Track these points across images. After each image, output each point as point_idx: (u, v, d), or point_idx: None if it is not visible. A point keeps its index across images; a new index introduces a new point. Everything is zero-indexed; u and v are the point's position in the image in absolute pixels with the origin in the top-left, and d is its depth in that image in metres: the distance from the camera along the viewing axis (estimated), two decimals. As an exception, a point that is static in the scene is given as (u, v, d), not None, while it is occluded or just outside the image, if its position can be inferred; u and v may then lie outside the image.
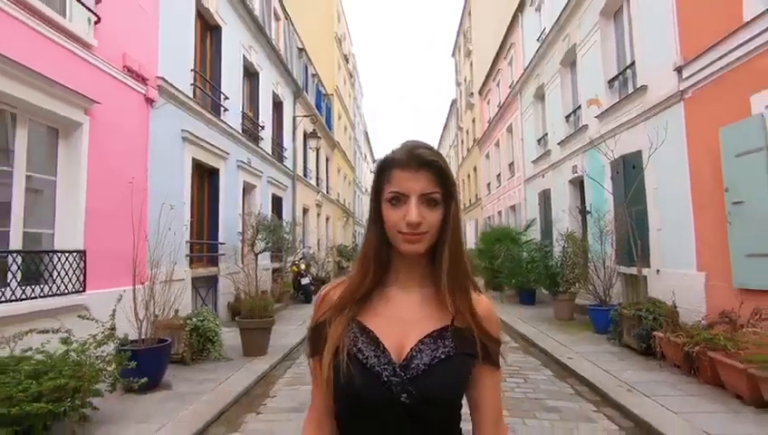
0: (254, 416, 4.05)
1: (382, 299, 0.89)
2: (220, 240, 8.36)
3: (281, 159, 12.77)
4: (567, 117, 10.55)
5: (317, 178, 17.78)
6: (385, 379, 0.79)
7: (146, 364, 4.24)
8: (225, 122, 8.60)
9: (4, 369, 3.05)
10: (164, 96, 6.48)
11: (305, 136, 15.08)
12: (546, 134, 12.14)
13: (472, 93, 24.30)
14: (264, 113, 11.27)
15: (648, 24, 6.86)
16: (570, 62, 10.38)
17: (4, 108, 4.06)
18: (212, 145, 8.00)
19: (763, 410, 3.61)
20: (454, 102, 33.10)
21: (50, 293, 4.34)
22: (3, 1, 3.89)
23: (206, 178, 8.28)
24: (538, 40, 12.37)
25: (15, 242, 4.19)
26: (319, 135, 14.95)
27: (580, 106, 9.68)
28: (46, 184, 4.65)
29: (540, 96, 12.69)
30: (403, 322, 0.86)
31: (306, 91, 15.59)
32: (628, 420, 3.77)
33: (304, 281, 11.58)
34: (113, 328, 3.77)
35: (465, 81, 26.91)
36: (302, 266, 11.99)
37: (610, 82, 8.28)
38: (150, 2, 6.27)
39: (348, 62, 27.63)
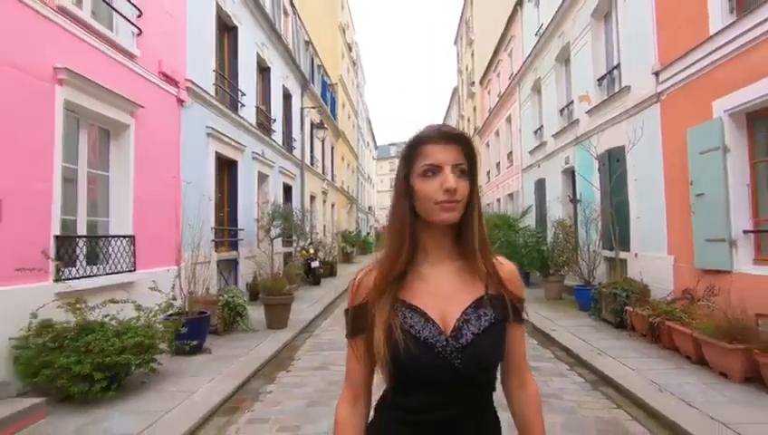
0: (285, 373, 4.87)
1: (416, 277, 0.94)
2: (239, 226, 9.13)
3: (290, 149, 13.46)
4: (561, 111, 11.19)
5: (323, 167, 18.47)
6: (439, 349, 0.87)
7: (192, 331, 5.04)
8: (242, 117, 9.29)
9: (94, 329, 3.84)
10: (191, 96, 7.18)
11: (311, 126, 15.76)
12: (542, 126, 12.79)
13: (473, 82, 24.77)
14: (275, 106, 11.94)
15: (632, 29, 7.48)
16: (564, 58, 10.97)
17: (70, 115, 4.77)
18: (231, 139, 8.71)
19: (703, 367, 4.41)
20: (455, 90, 33.50)
21: (109, 271, 5.13)
22: (59, 17, 4.57)
23: (225, 169, 9.00)
24: (536, 35, 12.91)
25: (81, 229, 4.96)
26: (325, 126, 15.59)
27: (572, 101, 10.32)
28: (101, 178, 5.40)
29: (537, 89, 13.30)
30: (441, 295, 0.93)
31: (312, 83, 16.19)
32: (594, 375, 4.58)
33: (314, 264, 12.37)
34: (174, 298, 4.56)
35: (467, 69, 27.35)
36: (312, 251, 12.78)
37: (599, 80, 8.92)
38: (180, 11, 6.93)
39: (351, 51, 28.02)
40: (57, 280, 4.26)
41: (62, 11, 4.49)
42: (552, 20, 11.04)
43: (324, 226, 18.50)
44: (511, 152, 16.57)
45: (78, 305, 3.96)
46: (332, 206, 20.87)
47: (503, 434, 0.98)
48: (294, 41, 14.37)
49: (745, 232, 5.13)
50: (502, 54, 17.99)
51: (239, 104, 9.32)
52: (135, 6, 5.70)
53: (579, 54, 9.82)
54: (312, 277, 12.36)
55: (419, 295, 0.93)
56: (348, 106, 26.32)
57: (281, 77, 12.46)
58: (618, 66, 8.13)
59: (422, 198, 0.90)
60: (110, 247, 5.24)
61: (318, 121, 15.47)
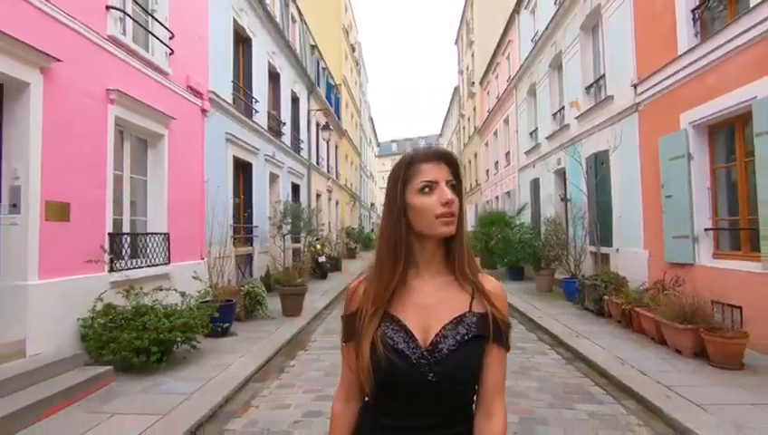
0: (303, 351, 5.63)
1: (405, 290, 0.98)
2: (254, 224, 9.87)
3: (297, 150, 14.18)
4: (554, 115, 11.87)
5: (328, 166, 19.19)
6: (414, 361, 0.90)
7: (222, 316, 5.80)
8: (255, 123, 10.01)
9: (147, 312, 4.59)
10: (213, 106, 7.90)
11: (317, 127, 16.46)
12: (537, 128, 13.47)
13: (473, 83, 25.40)
14: (284, 110, 12.65)
15: (615, 43, 8.17)
16: (557, 65, 11.64)
17: (117, 128, 5.50)
18: (246, 143, 9.43)
19: (663, 346, 5.14)
20: (456, 89, 34.10)
21: (148, 264, 5.87)
22: (109, 45, 5.29)
23: (241, 171, 9.73)
24: (532, 41, 13.57)
25: (126, 227, 5.70)
26: (331, 127, 16.29)
27: (564, 106, 11.00)
28: (140, 182, 6.14)
29: (532, 93, 13.97)
30: (426, 308, 0.96)
31: (318, 86, 16.88)
32: (570, 354, 5.32)
33: (321, 259, 13.13)
34: (211, 286, 5.31)
35: (467, 69, 27.95)
36: (319, 247, 13.52)
37: (587, 88, 9.61)
38: (203, 28, 7.64)
39: (354, 52, 28.66)
40: (111, 270, 5.02)
41: (112, 39, 5.21)
42: (545, 29, 11.70)
43: (329, 222, 19.24)
44: (508, 152, 17.25)
45: (133, 292, 4.71)
46: (336, 203, 21.60)
47: None
48: (301, 46, 15.06)
49: (706, 230, 5.85)
50: (500, 58, 18.64)
51: (253, 110, 10.04)
52: (168, 29, 6.42)
53: (569, 63, 10.50)
54: (320, 272, 13.11)
55: (405, 309, 0.97)
56: (351, 106, 26.99)
57: (289, 82, 13.16)
58: (603, 76, 8.82)
59: (422, 212, 0.95)
60: (148, 243, 5.98)
61: (324, 123, 16.17)
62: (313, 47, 16.93)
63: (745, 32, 4.95)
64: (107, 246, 5.01)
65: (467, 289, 0.98)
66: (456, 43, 32.68)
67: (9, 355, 3.76)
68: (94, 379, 3.99)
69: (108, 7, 5.17)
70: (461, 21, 29.74)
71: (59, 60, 4.29)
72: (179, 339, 4.62)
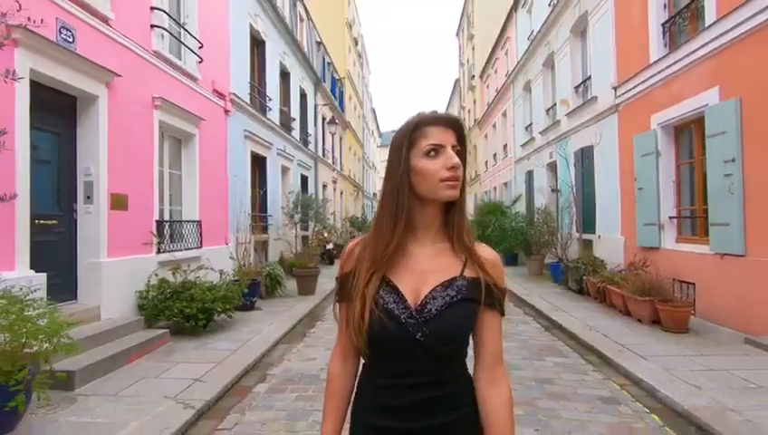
0: (321, 322, 6.55)
1: (401, 253, 1.00)
2: (268, 213, 10.75)
3: (305, 143, 14.99)
4: (547, 111, 12.66)
5: (333, 158, 20.00)
6: (403, 320, 0.93)
7: (250, 292, 6.72)
8: (269, 119, 10.83)
9: (192, 286, 5.49)
10: (234, 106, 8.72)
11: (323, 121, 17.26)
12: (531, 123, 14.26)
13: (473, 76, 26.06)
14: (294, 106, 13.45)
15: (599, 48, 8.93)
16: (550, 64, 12.38)
17: (160, 130, 6.34)
18: (262, 139, 10.27)
19: (628, 317, 6.03)
20: (457, 81, 34.70)
21: (185, 248, 6.76)
22: (152, 57, 6.11)
23: (257, 165, 10.58)
24: (528, 39, 14.27)
25: (167, 215, 6.59)
26: (337, 121, 17.09)
27: (555, 104, 11.79)
28: (176, 176, 7.00)
29: (528, 89, 14.71)
30: (420, 272, 0.99)
31: (324, 81, 17.63)
32: (549, 323, 6.23)
33: (328, 246, 14.04)
34: (243, 265, 6.20)
35: (468, 62, 28.58)
36: (326, 235, 14.42)
37: (576, 88, 10.38)
38: (224, 35, 8.43)
39: (357, 45, 29.26)
40: (158, 252, 5.91)
41: (156, 53, 6.04)
42: (539, 29, 12.43)
43: (334, 211, 20.12)
44: (506, 145, 18.04)
45: (180, 270, 5.61)
46: (341, 193, 22.45)
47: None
48: (308, 43, 15.79)
49: (670, 218, 6.70)
50: (499, 53, 19.33)
51: (267, 108, 10.85)
52: (197, 40, 7.23)
53: (561, 63, 11.25)
54: (327, 258, 14.03)
55: (399, 271, 0.99)
56: (354, 98, 27.69)
57: (298, 79, 13.93)
58: (589, 78, 9.60)
59: (426, 175, 0.95)
60: (184, 229, 6.87)
61: (330, 118, 16.97)
62: (319, 44, 17.64)
63: (702, 47, 5.75)
64: (155, 232, 5.90)
65: (462, 256, 1.00)
66: (458, 35, 33.21)
67: (89, 318, 4.66)
68: (156, 338, 4.91)
69: (152, 26, 5.99)
70: (462, 14, 30.27)
71: (119, 75, 5.13)
72: (219, 309, 5.53)
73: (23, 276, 3.73)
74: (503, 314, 1.03)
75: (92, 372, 3.85)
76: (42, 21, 3.53)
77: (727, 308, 5.27)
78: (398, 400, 0.95)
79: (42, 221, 4.38)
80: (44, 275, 3.99)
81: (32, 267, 4.00)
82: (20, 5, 3.58)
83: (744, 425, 2.95)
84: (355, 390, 1.07)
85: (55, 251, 4.58)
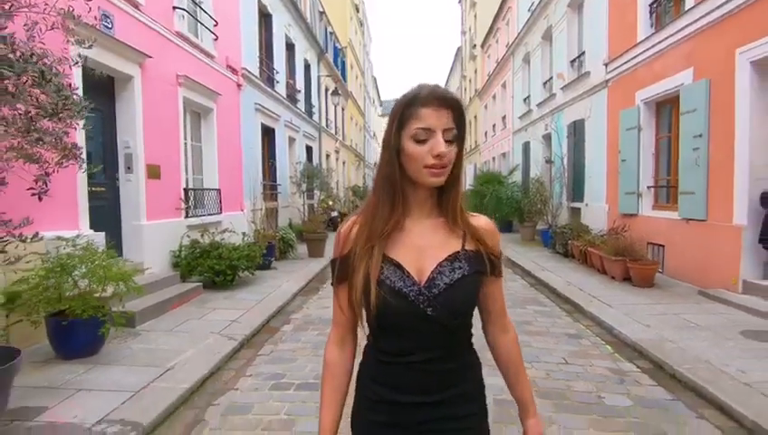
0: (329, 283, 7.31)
1: (398, 231, 0.99)
2: (278, 182, 11.40)
3: (310, 114, 15.45)
4: (544, 83, 13.07)
5: (335, 128, 20.43)
6: (412, 298, 0.94)
7: (268, 253, 7.47)
8: (277, 92, 11.31)
9: (219, 246, 6.22)
10: (246, 81, 9.22)
11: (326, 92, 17.62)
12: (529, 95, 14.67)
13: (475, 45, 26.03)
14: (299, 78, 13.85)
15: (594, 24, 9.33)
16: (548, 37, 12.70)
17: (183, 105, 6.91)
18: (271, 111, 10.79)
19: (604, 275, 6.81)
20: (459, 50, 34.48)
21: (207, 213, 7.46)
22: (175, 38, 6.62)
23: (266, 136, 11.14)
24: (529, 11, 14.48)
25: (191, 184, 7.25)
26: (340, 92, 17.45)
27: (552, 77, 12.21)
28: (197, 148, 7.62)
29: (527, 61, 15.03)
30: (419, 249, 0.99)
31: (326, 51, 17.85)
32: (534, 280, 7.02)
33: (333, 214, 14.76)
34: (262, 228, 6.92)
35: (470, 30, 28.42)
36: (330, 203, 15.11)
37: (572, 62, 10.80)
38: (235, 12, 8.84)
39: (358, 12, 29.01)
40: (186, 217, 6.62)
41: (178, 33, 6.54)
42: (539, 1, 12.68)
43: (337, 180, 20.72)
44: (505, 116, 18.44)
45: (208, 232, 6.33)
46: (344, 163, 22.99)
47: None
48: (311, 14, 15.96)
49: (648, 187, 7.37)
50: (500, 23, 19.41)
51: (275, 81, 11.30)
52: (212, 18, 7.68)
53: (558, 37, 11.61)
54: (332, 224, 14.77)
55: (398, 249, 0.98)
56: (356, 67, 27.74)
57: (302, 51, 14.25)
58: (584, 53, 10.03)
59: (411, 159, 0.93)
60: (205, 196, 7.55)
61: (333, 89, 17.33)
62: (321, 13, 17.76)
63: (681, 30, 6.25)
64: (183, 198, 6.58)
65: (458, 231, 1.01)
66: (460, 2, 32.76)
67: (136, 272, 5.41)
68: (191, 290, 5.68)
69: (174, 7, 6.46)
70: (465, -20, 29.78)
71: (150, 56, 5.68)
72: (243, 266, 6.29)
73: (86, 234, 4.44)
74: (501, 275, 1.09)
75: (148, 315, 4.64)
76: (89, 10, 4.08)
77: (689, 266, 6.03)
78: (408, 374, 0.97)
79: (94, 189, 5.06)
80: (103, 233, 4.71)
81: (90, 227, 4.71)
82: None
83: (675, 351, 3.73)
84: (358, 368, 1.08)
85: (105, 214, 5.28)
